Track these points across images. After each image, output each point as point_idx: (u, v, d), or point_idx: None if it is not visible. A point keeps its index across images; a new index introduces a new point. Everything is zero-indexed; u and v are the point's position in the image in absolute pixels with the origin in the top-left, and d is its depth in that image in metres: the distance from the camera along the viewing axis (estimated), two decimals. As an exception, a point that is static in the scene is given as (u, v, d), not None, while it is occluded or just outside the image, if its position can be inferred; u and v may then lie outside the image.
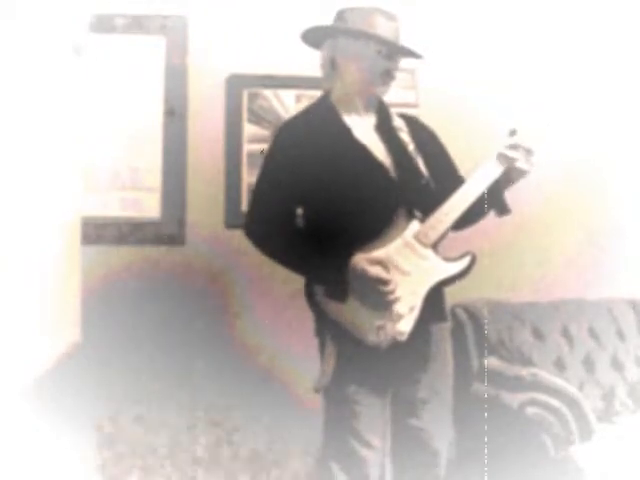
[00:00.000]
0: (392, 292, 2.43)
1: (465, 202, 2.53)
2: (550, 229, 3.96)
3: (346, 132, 2.61)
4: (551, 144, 2.63)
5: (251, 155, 3.77)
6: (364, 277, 2.41)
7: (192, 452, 3.67)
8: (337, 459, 2.57)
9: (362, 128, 2.64)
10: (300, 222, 2.65)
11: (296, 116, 2.76)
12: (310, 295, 2.56)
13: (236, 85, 3.80)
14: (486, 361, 3.55)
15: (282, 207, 2.57)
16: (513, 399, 3.29)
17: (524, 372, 3.40)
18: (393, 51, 2.60)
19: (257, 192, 2.64)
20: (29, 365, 2.57)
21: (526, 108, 3.80)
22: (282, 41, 3.76)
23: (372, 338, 2.45)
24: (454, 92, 3.85)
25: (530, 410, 3.20)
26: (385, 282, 2.42)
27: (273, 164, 2.63)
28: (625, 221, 4.14)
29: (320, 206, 2.56)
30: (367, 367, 2.52)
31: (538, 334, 3.69)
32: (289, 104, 3.83)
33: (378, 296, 2.43)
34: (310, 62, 3.38)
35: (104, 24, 3.68)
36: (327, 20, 2.70)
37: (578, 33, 4.04)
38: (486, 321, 3.59)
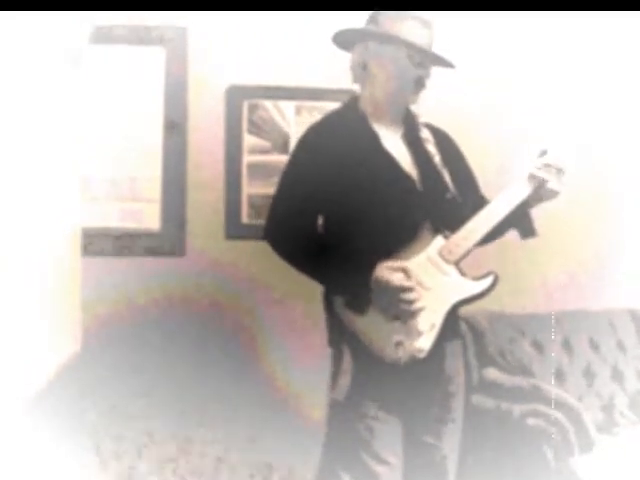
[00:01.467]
0: (414, 301, 2.38)
1: (491, 221, 2.48)
2: (550, 241, 3.95)
3: (374, 140, 2.55)
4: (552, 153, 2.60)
5: (251, 166, 3.78)
6: (386, 287, 2.36)
7: (195, 464, 3.67)
8: (351, 475, 2.51)
9: (389, 137, 2.58)
10: (322, 230, 2.58)
11: (324, 119, 2.67)
12: (329, 305, 2.52)
13: (236, 96, 3.80)
14: (486, 372, 3.55)
15: (304, 212, 2.50)
16: (513, 410, 3.29)
17: (524, 383, 3.40)
18: (426, 59, 2.54)
19: (279, 197, 2.57)
20: (30, 375, 2.57)
21: (529, 114, 3.81)
22: (282, 52, 3.77)
23: (390, 353, 2.41)
24: (455, 94, 3.83)
25: (530, 421, 3.19)
26: (407, 290, 2.37)
27: (297, 168, 2.57)
28: (625, 232, 4.15)
29: (343, 214, 2.49)
30: (384, 383, 2.47)
31: (538, 345, 3.68)
32: (289, 115, 3.83)
33: (400, 306, 2.38)
34: (310, 73, 3.41)
35: (104, 35, 3.67)
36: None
37: (583, 37, 4.04)
38: (486, 332, 3.59)
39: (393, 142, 2.58)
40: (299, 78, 3.73)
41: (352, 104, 2.65)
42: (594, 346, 3.80)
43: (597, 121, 3.93)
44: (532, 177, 2.54)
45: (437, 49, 2.56)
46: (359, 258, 2.41)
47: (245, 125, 3.81)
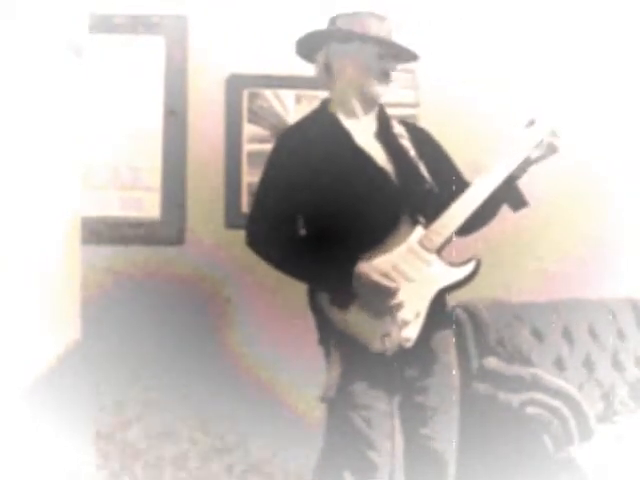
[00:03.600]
0: (397, 293, 2.41)
1: (472, 205, 2.49)
2: (550, 229, 3.96)
3: (347, 138, 2.59)
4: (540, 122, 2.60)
5: (251, 155, 3.78)
6: (368, 282, 2.39)
7: (190, 457, 3.67)
8: (348, 466, 2.53)
9: (362, 135, 2.62)
10: (303, 229, 2.62)
11: (296, 124, 2.75)
12: (314, 302, 2.54)
13: (236, 85, 3.80)
14: (486, 361, 3.55)
15: (284, 215, 2.54)
16: (513, 399, 3.29)
17: (524, 372, 3.40)
18: (387, 49, 2.57)
19: (258, 200, 2.62)
20: (29, 363, 2.58)
21: (526, 106, 3.79)
22: (282, 41, 3.75)
23: (377, 345, 2.43)
24: (454, 91, 3.85)
25: (530, 410, 3.20)
26: (388, 286, 2.40)
27: (274, 172, 2.61)
28: (625, 220, 4.14)
29: (322, 213, 2.53)
30: (373, 373, 2.50)
31: (538, 334, 3.68)
32: (289, 104, 3.83)
33: (382, 301, 2.41)
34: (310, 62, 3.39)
35: (104, 24, 3.67)
36: (327, 21, 2.69)
37: (578, 30, 4.02)
38: (486, 321, 3.59)
39: (366, 139, 2.62)
40: (299, 67, 3.70)
41: (323, 107, 2.72)
42: (594, 335, 3.79)
43: (597, 110, 3.92)
44: (527, 138, 2.56)
45: (408, 39, 2.62)
46: (340, 255, 2.44)
47: (245, 114, 3.81)
